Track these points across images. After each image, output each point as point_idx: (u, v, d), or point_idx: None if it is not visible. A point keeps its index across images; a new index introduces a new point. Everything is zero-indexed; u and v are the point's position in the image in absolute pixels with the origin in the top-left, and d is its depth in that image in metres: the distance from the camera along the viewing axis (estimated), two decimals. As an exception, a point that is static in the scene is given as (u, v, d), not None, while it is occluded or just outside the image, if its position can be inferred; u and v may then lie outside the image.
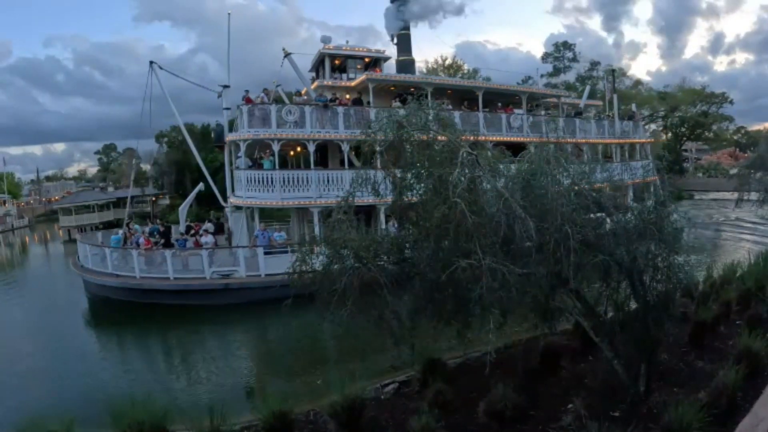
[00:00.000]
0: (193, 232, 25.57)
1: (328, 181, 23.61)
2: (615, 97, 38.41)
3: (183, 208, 27.89)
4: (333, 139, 24.28)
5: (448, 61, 76.54)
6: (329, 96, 26.27)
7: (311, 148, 23.59)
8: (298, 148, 28.00)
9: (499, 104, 31.06)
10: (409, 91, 26.62)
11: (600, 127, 35.07)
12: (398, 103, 25.40)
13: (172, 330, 19.51)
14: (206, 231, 25.31)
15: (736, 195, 32.73)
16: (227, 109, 26.37)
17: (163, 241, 23.28)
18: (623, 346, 8.67)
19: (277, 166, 23.70)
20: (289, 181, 23.25)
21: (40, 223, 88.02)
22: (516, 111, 31.00)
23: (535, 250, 7.46)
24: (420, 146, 8.48)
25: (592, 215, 8.41)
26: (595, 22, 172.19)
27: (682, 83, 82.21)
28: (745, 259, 18.09)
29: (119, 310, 21.90)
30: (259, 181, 23.47)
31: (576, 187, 8.17)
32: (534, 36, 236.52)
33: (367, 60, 30.04)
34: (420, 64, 78.22)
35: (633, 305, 8.73)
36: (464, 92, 30.05)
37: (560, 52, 79.22)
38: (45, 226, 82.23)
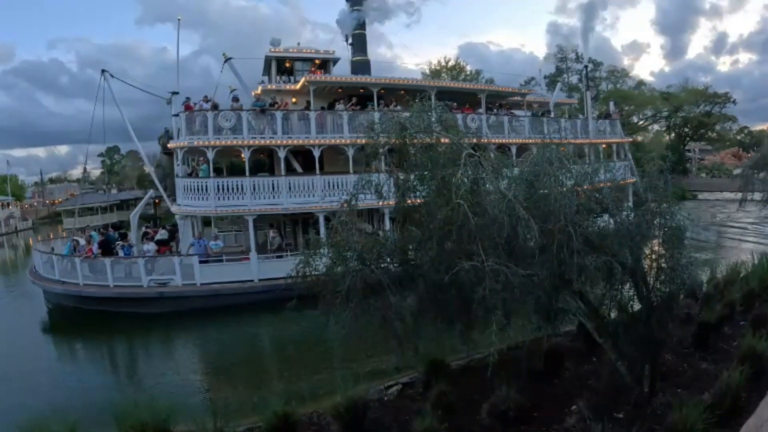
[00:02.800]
0: (148, 237, 25.74)
1: (260, 188, 23.19)
2: (588, 94, 36.72)
3: (134, 215, 27.63)
4: (269, 145, 23.88)
5: (451, 63, 76.53)
6: (269, 100, 25.83)
7: (246, 154, 23.21)
8: (261, 154, 27.44)
9: (455, 104, 28.64)
10: (359, 92, 26.46)
11: (572, 126, 33.36)
12: (341, 106, 25.46)
13: (115, 338, 19.70)
14: (148, 239, 25.26)
15: (739, 195, 32.59)
16: (176, 115, 25.69)
17: (100, 250, 22.98)
18: (627, 347, 8.66)
19: (211, 174, 23.38)
20: (223, 189, 22.91)
21: (43, 225, 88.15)
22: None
23: (539, 252, 7.46)
24: (423, 148, 8.46)
25: (595, 216, 8.42)
26: (597, 23, 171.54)
27: (685, 83, 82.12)
28: (749, 260, 18.03)
29: (77, 318, 21.99)
30: (193, 190, 23.38)
31: (579, 188, 8.17)
32: (537, 37, 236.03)
33: (317, 62, 29.27)
34: (423, 66, 78.35)
35: (636, 306, 8.72)
36: (418, 92, 27.49)
37: (563, 52, 79.04)
38: (49, 228, 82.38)
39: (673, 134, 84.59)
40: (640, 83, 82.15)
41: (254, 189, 22.99)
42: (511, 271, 6.84)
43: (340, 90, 27.50)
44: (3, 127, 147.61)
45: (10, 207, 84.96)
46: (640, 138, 77.72)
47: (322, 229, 22.66)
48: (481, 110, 29.36)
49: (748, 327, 11.34)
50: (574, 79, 77.43)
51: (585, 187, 8.45)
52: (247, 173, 23.41)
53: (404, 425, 8.60)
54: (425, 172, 8.24)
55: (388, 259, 8.68)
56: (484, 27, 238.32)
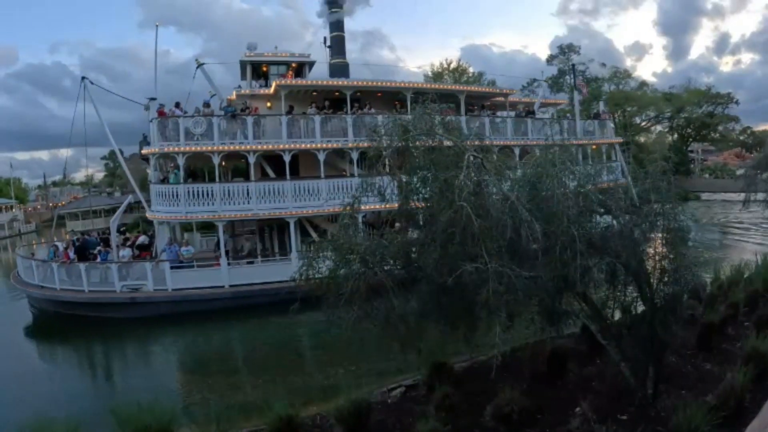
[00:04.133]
0: (129, 243, 25.84)
1: (230, 194, 23.14)
2: (576, 93, 35.70)
3: (114, 221, 27.56)
4: (240, 150, 23.71)
5: (453, 65, 76.44)
6: (240, 105, 25.76)
7: (216, 160, 23.30)
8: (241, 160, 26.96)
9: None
10: (335, 95, 26.14)
11: (558, 127, 31.90)
12: (312, 110, 25.24)
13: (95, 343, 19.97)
14: (124, 244, 25.34)
15: (742, 196, 32.52)
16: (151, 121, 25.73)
17: (75, 256, 23.18)
18: (631, 349, 8.65)
19: (182, 180, 23.31)
20: (194, 195, 22.87)
21: (47, 228, 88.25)
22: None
23: (542, 253, 7.46)
24: (425, 150, 8.47)
25: (598, 217, 8.42)
26: (600, 24, 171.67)
27: (688, 84, 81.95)
28: (752, 260, 17.99)
29: (60, 323, 22.10)
30: (165, 195, 23.32)
31: (582, 190, 8.16)
32: (539, 38, 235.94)
33: (294, 65, 28.92)
34: (426, 69, 78.20)
35: (640, 308, 8.71)
36: (395, 94, 27.72)
37: (565, 54, 78.92)
38: (52, 231, 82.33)
39: (675, 135, 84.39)
40: (643, 84, 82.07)
41: (224, 195, 23.03)
42: (515, 273, 6.84)
43: (315, 93, 27.20)
44: (6, 130, 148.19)
45: (13, 210, 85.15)
46: (642, 139, 77.63)
47: (293, 236, 22.86)
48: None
49: (752, 328, 11.33)
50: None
51: (589, 187, 8.45)
52: (218, 179, 23.69)
53: (408, 428, 8.60)
54: (428, 175, 8.23)
55: (392, 262, 8.67)
56: (487, 29, 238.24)
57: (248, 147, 23.37)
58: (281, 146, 23.56)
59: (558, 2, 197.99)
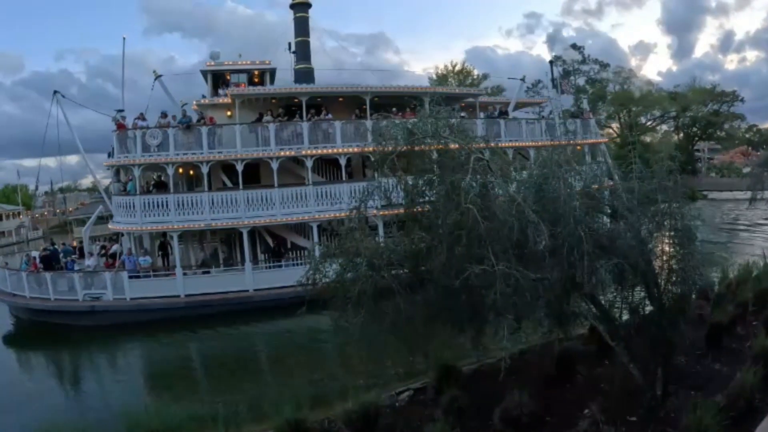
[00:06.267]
0: (102, 252, 26.24)
1: (184, 204, 23.09)
2: (554, 92, 33.74)
3: (86, 230, 28.06)
4: (194, 161, 23.64)
5: (458, 68, 76.43)
6: (197, 116, 25.63)
7: (170, 171, 23.25)
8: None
9: (394, 109, 24.79)
10: (294, 101, 25.59)
11: (534, 128, 30.13)
12: (269, 117, 25.07)
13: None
14: (90, 253, 25.57)
15: (749, 194, 32.35)
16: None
17: (42, 265, 23.52)
18: (639, 350, 8.62)
19: (137, 191, 23.52)
20: (149, 206, 22.99)
21: (54, 235, 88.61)
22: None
23: (549, 255, 7.44)
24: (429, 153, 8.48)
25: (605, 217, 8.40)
26: (604, 25, 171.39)
27: (693, 83, 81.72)
28: (760, 259, 17.89)
29: (39, 330, 22.58)
30: (124, 206, 23.64)
31: (588, 190, 8.15)
32: (544, 39, 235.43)
33: (257, 73, 28.54)
34: (430, 71, 78.13)
35: (648, 308, 8.68)
36: (357, 99, 26.35)
37: (569, 55, 78.81)
38: (59, 237, 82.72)
39: (681, 134, 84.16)
40: (648, 83, 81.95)
41: (178, 205, 23.06)
42: (522, 275, 6.83)
43: (274, 101, 26.74)
44: (14, 137, 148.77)
45: (21, 216, 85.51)
46: (648, 139, 77.41)
47: (246, 245, 22.83)
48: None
49: (761, 327, 11.27)
50: (581, 81, 77.38)
51: (594, 187, 8.44)
52: (171, 189, 23.57)
53: (416, 431, 8.59)
54: (434, 177, 8.24)
55: (398, 265, 8.66)
56: (491, 30, 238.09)
57: (201, 158, 23.33)
58: (233, 156, 23.42)
59: (562, 3, 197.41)
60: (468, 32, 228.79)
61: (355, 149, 23.74)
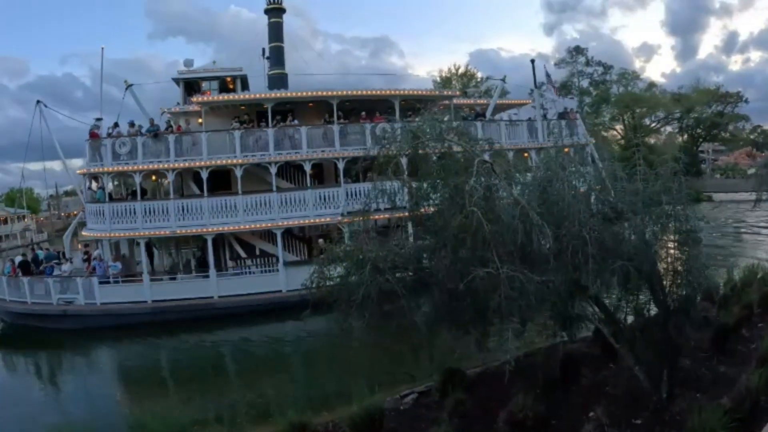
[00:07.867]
0: (85, 258, 26.28)
1: (151, 212, 23.27)
2: (536, 92, 31.15)
3: (66, 236, 28.25)
4: (160, 169, 23.73)
5: (462, 70, 76.42)
6: (164, 124, 25.71)
7: (137, 179, 23.46)
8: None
9: (363, 113, 25.67)
10: (264, 108, 25.20)
11: (514, 131, 28.91)
12: (237, 123, 24.92)
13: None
14: (68, 259, 25.75)
15: (754, 195, 32.23)
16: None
17: (20, 270, 23.87)
18: (644, 353, 8.60)
19: (106, 199, 23.87)
20: (117, 213, 23.26)
21: (59, 238, 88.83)
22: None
23: (553, 257, 7.43)
24: (435, 156, 8.48)
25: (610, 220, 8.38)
26: (608, 26, 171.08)
27: (697, 84, 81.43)
28: (766, 260, 17.85)
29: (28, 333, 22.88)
30: (95, 214, 23.96)
31: (592, 192, 8.15)
32: (547, 41, 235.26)
33: (229, 79, 28.21)
34: (434, 74, 78.04)
35: (653, 311, 8.66)
36: (327, 104, 25.46)
37: (573, 57, 78.71)
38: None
39: (685, 135, 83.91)
40: (652, 85, 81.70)
41: (145, 213, 23.25)
42: (526, 278, 6.82)
43: (243, 108, 26.46)
44: (19, 141, 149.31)
45: (26, 220, 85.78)
46: (652, 140, 77.21)
47: (210, 252, 22.85)
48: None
49: (767, 329, 11.23)
50: (584, 83, 77.29)
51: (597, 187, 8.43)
52: (139, 197, 23.77)
53: (421, 434, 8.59)
54: (438, 180, 8.24)
55: (403, 268, 8.66)
56: (495, 33, 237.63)
57: (168, 165, 23.41)
58: (197, 163, 23.44)
59: (566, 6, 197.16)
60: (472, 35, 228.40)
61: (325, 154, 24.09)
